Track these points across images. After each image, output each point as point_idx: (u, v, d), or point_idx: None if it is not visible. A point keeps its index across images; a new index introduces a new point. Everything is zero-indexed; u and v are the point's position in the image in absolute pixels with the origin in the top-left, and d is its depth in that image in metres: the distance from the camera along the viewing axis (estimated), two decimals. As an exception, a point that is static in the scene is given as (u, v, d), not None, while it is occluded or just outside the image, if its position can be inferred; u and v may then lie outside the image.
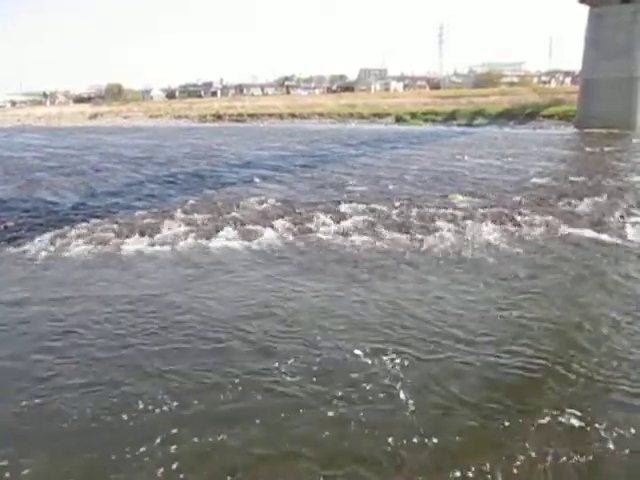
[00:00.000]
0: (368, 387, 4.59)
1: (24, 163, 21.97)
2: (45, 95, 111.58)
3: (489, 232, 9.21)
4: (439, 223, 9.77)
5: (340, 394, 4.51)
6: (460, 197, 12.06)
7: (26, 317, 6.34)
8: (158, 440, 3.98)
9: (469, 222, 9.78)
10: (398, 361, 4.99)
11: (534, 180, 14.34)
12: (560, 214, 10.31)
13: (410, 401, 4.37)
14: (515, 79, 77.11)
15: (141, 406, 4.41)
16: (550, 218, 9.99)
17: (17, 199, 13.85)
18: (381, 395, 4.48)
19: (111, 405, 4.44)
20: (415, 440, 3.92)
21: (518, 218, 10.04)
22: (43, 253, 8.84)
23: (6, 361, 5.33)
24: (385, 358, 5.05)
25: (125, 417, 4.28)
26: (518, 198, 11.88)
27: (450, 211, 10.65)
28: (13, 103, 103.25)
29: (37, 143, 33.28)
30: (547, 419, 4.12)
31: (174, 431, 4.08)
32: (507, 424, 4.07)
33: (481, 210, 10.70)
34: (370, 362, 5.00)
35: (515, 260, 7.84)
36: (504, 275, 7.22)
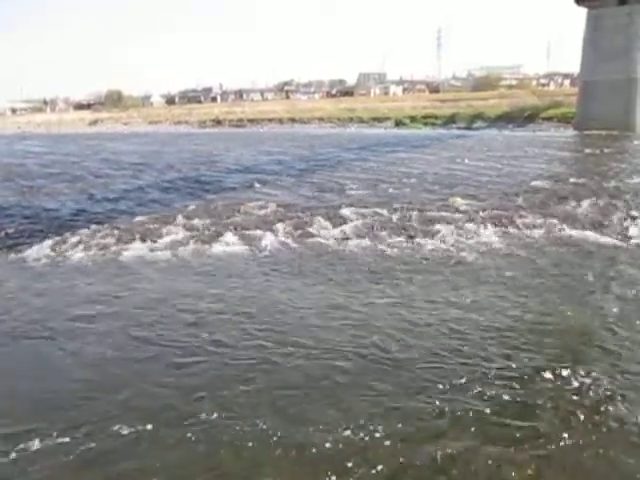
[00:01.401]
0: (368, 393, 4.56)
1: (25, 170, 22.00)
2: (45, 102, 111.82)
3: (489, 235, 9.21)
4: (439, 226, 9.77)
5: (342, 398, 4.49)
6: (460, 200, 12.06)
7: (25, 323, 6.33)
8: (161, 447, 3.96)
9: (469, 225, 9.78)
10: (399, 366, 4.97)
11: (534, 182, 14.34)
12: (561, 216, 10.31)
13: (409, 406, 4.34)
14: (514, 82, 77.31)
15: (142, 412, 4.39)
16: (551, 220, 9.99)
17: (18, 205, 13.87)
18: (382, 399, 4.46)
19: (111, 411, 4.43)
20: (422, 447, 3.90)
21: (518, 221, 10.04)
22: (44, 259, 8.85)
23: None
24: (387, 363, 5.03)
25: (130, 422, 4.26)
26: (518, 200, 11.89)
27: (450, 214, 10.66)
28: (13, 110, 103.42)
29: (37, 150, 33.32)
30: (551, 429, 4.08)
31: (181, 437, 4.06)
32: (511, 437, 4.02)
33: (481, 213, 10.70)
34: (371, 367, 4.98)
35: (516, 263, 7.83)
36: (505, 278, 7.21)
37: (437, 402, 4.40)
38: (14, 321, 6.41)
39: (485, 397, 4.45)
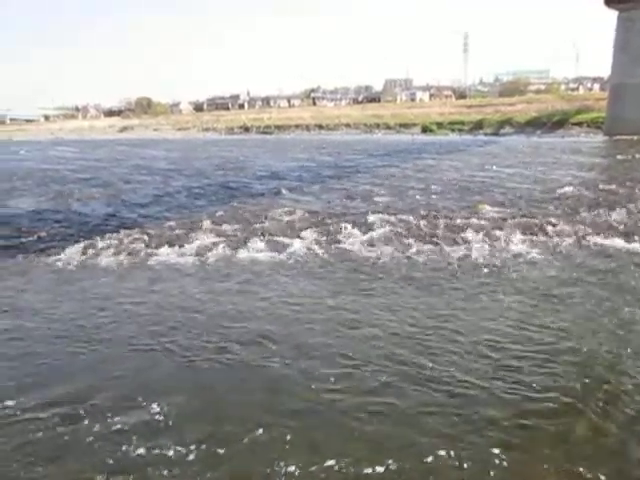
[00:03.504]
0: (393, 404, 4.50)
1: (57, 175, 22.53)
2: (77, 109, 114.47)
3: (518, 242, 9.09)
4: (467, 234, 9.69)
5: (366, 409, 4.45)
6: (488, 207, 11.94)
7: (56, 324, 6.46)
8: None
9: (497, 232, 9.68)
10: (426, 378, 4.89)
11: (563, 189, 14.13)
12: (591, 224, 10.13)
13: (431, 422, 4.26)
14: (542, 87, 76.41)
15: (173, 414, 4.45)
16: (581, 228, 9.83)
17: (50, 210, 14.20)
18: (409, 411, 4.41)
19: (142, 416, 4.49)
20: (441, 460, 3.86)
21: (548, 228, 9.90)
22: (74, 263, 9.02)
23: (33, 366, 5.44)
24: (413, 373, 4.97)
25: (159, 428, 4.32)
26: (547, 208, 11.72)
27: (478, 221, 10.55)
28: (46, 117, 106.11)
29: (69, 155, 34.10)
30: (580, 445, 4.01)
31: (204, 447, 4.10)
32: (537, 452, 3.96)
33: (510, 220, 10.58)
34: (396, 377, 4.92)
35: (545, 271, 7.71)
36: (534, 287, 7.10)
37: (479, 421, 4.35)
38: (44, 323, 6.52)
39: (513, 415, 4.39)
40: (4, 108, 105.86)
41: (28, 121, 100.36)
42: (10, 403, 4.68)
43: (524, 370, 4.96)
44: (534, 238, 9.36)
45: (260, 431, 4.18)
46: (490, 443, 3.96)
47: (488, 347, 5.43)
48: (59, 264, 8.99)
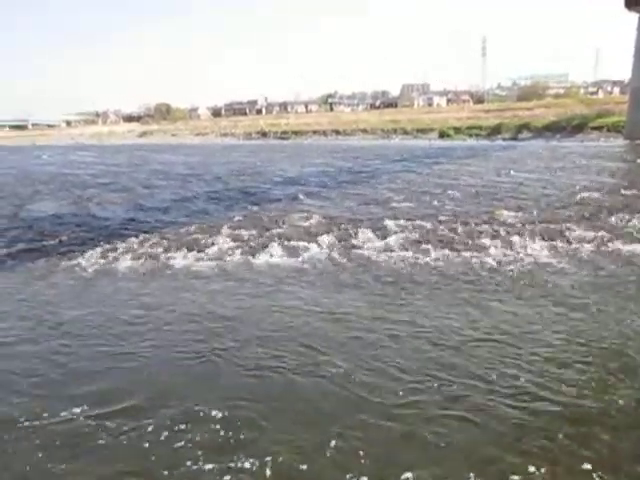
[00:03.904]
0: (408, 417, 4.45)
1: (77, 180, 22.86)
2: (97, 114, 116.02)
3: (537, 249, 9.01)
4: (485, 240, 9.63)
5: (381, 421, 4.42)
6: (506, 213, 11.85)
7: (76, 327, 6.57)
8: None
9: (516, 238, 9.60)
10: (444, 388, 4.83)
11: (583, 194, 13.97)
12: (612, 229, 10.01)
13: (458, 436, 4.21)
14: (560, 91, 75.70)
15: (193, 419, 4.48)
16: (601, 234, 9.71)
17: (71, 214, 14.43)
18: (429, 427, 4.36)
19: (164, 417, 4.54)
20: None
21: (567, 234, 9.80)
22: (94, 266, 9.15)
23: (53, 370, 5.52)
24: (429, 384, 4.91)
25: (180, 431, 4.35)
26: (567, 213, 11.60)
27: (496, 227, 10.48)
28: (68, 123, 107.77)
29: (89, 160, 34.58)
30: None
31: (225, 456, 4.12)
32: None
33: (528, 226, 10.49)
34: (414, 388, 4.87)
35: (565, 278, 7.62)
36: (554, 294, 7.02)
37: (492, 430, 4.33)
38: (64, 327, 6.61)
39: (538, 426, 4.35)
40: (27, 113, 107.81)
41: (50, 126, 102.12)
42: (35, 404, 4.77)
43: (544, 377, 4.92)
44: (554, 244, 9.26)
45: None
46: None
47: (501, 351, 5.40)
48: (79, 268, 9.12)
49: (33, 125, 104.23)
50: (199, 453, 4.05)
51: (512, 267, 8.13)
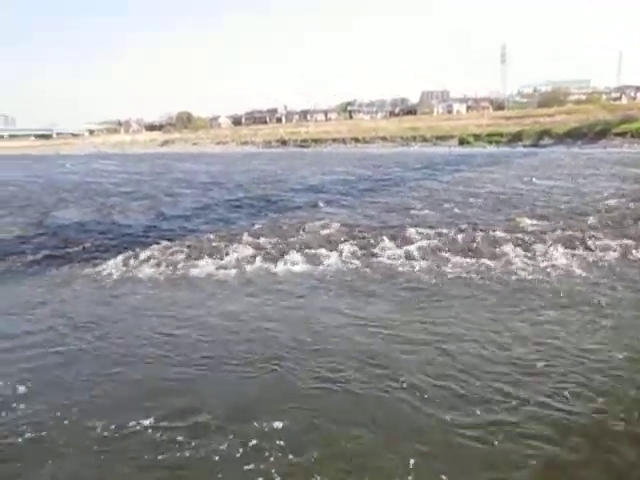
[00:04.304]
0: (428, 426, 4.44)
1: (100, 188, 23.24)
2: (120, 123, 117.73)
3: (559, 257, 8.90)
4: (506, 247, 9.54)
5: (400, 431, 4.41)
6: (528, 220, 11.75)
7: (98, 332, 6.67)
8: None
9: (538, 246, 9.50)
10: (465, 400, 4.76)
11: (607, 201, 13.80)
12: (636, 237, 9.84)
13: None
14: (582, 97, 74.72)
15: (212, 428, 4.50)
16: (625, 242, 9.56)
17: (94, 222, 14.66)
18: (447, 436, 4.33)
19: (180, 423, 4.57)
20: None
21: (590, 242, 9.67)
22: (117, 273, 9.27)
23: (77, 375, 5.58)
24: (450, 395, 4.86)
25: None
26: (590, 221, 11.46)
27: (517, 235, 10.39)
28: (91, 132, 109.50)
29: (112, 169, 35.13)
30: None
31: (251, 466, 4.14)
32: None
33: (550, 234, 10.38)
34: (432, 397, 4.84)
35: (588, 286, 7.52)
36: (577, 303, 6.93)
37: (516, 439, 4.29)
38: (86, 334, 6.70)
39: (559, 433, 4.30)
40: (52, 123, 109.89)
41: (74, 135, 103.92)
42: (93, 414, 4.84)
43: (568, 387, 4.86)
44: (576, 252, 9.15)
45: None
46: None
47: (524, 361, 5.34)
48: (102, 275, 9.25)
49: (57, 134, 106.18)
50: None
51: (532, 276, 8.05)
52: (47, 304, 7.87)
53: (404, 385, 5.01)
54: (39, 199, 20.16)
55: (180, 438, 4.34)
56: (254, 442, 4.25)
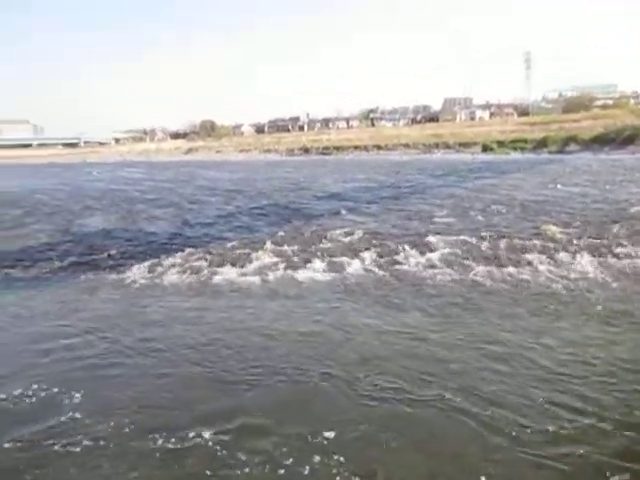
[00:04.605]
0: (453, 437, 4.39)
1: (126, 195, 23.59)
2: (145, 132, 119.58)
3: (586, 265, 8.76)
4: (531, 256, 9.42)
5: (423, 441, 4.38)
6: (553, 228, 11.57)
7: (124, 337, 6.76)
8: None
9: (564, 254, 9.36)
10: (490, 413, 4.68)
11: (634, 209, 13.53)
12: (666, 246, 9.64)
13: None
14: (609, 101, 73.55)
15: (232, 435, 4.52)
16: (655, 250, 9.37)
17: (119, 229, 14.88)
18: (471, 451, 4.28)
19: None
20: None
21: (618, 250, 9.49)
22: (141, 280, 9.39)
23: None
24: (473, 408, 4.78)
25: (219, 445, 4.40)
26: (618, 229, 11.24)
27: (543, 243, 10.25)
28: (117, 140, 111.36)
29: (137, 177, 35.66)
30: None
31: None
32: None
33: (577, 242, 10.22)
34: (457, 409, 4.77)
35: (616, 296, 7.37)
36: (606, 313, 6.79)
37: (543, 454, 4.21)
38: (112, 335, 6.82)
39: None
40: (79, 132, 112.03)
41: (101, 144, 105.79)
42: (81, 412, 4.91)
43: (596, 401, 4.77)
44: (603, 260, 8.99)
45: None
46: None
47: (550, 373, 5.25)
48: (128, 282, 9.37)
49: (85, 143, 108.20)
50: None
51: (558, 284, 7.92)
52: (75, 310, 7.99)
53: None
54: (66, 206, 20.55)
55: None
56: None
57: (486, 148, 42.73)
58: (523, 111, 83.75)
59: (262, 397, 5.16)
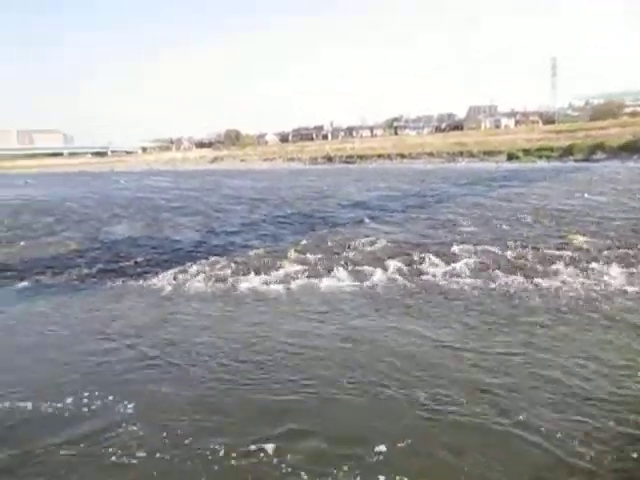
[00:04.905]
0: (478, 454, 4.33)
1: (153, 204, 23.93)
2: (171, 141, 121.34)
3: (615, 276, 8.59)
4: (558, 266, 9.28)
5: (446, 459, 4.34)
6: (581, 238, 11.40)
7: (150, 343, 6.89)
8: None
9: (592, 265, 9.20)
10: (518, 430, 4.59)
11: (665, 219, 13.26)
12: (698, 257, 9.42)
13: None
14: (638, 109, 72.29)
15: (252, 444, 4.54)
16: (686, 261, 9.16)
17: (146, 237, 15.10)
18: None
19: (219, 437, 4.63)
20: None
21: (648, 261, 9.31)
22: (167, 287, 9.51)
23: (123, 384, 5.77)
24: (501, 422, 4.72)
25: (236, 453, 4.42)
26: (647, 239, 11.04)
27: (570, 253, 10.10)
28: (144, 149, 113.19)
29: (163, 185, 36.14)
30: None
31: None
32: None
33: (605, 252, 10.05)
34: (481, 423, 4.71)
35: (646, 307, 7.24)
36: (634, 324, 6.68)
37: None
38: (139, 340, 6.92)
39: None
40: (107, 141, 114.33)
41: (128, 153, 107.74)
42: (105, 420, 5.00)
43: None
44: (633, 270, 8.83)
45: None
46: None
47: (581, 386, 5.17)
48: (154, 289, 9.51)
49: (112, 152, 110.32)
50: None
51: (586, 295, 7.79)
52: (104, 317, 8.13)
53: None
54: (95, 214, 20.96)
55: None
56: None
57: (511, 156, 42.31)
58: (549, 119, 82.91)
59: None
